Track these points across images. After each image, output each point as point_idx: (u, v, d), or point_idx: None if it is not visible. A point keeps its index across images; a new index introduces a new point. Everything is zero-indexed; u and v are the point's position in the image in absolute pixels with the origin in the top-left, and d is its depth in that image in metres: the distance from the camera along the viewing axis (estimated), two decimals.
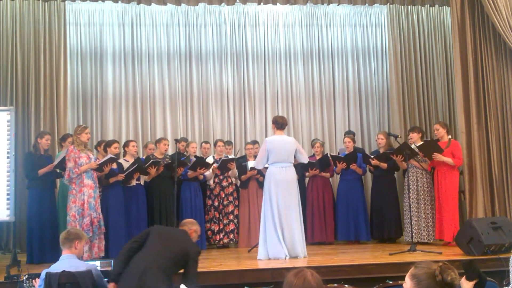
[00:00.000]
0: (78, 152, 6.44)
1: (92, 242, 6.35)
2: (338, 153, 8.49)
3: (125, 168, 7.09)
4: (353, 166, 7.86)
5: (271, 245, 6.27)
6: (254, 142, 8.45)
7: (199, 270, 5.64)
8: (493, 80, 8.10)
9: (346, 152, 8.07)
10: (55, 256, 6.54)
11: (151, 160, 7.22)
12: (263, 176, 7.70)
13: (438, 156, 7.14)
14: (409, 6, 9.46)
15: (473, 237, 6.08)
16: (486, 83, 8.11)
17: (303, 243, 6.44)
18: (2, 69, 8.45)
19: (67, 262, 4.16)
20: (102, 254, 6.45)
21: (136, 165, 7.05)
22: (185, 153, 8.10)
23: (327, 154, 8.06)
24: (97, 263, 4.95)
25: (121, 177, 6.96)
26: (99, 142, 7.81)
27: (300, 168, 7.67)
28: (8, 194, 6.45)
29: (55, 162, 6.87)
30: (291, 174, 6.50)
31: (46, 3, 8.55)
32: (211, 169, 7.84)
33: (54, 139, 8.16)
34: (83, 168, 6.39)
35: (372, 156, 7.84)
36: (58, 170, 6.94)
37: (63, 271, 4.05)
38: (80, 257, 4.55)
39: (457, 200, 7.33)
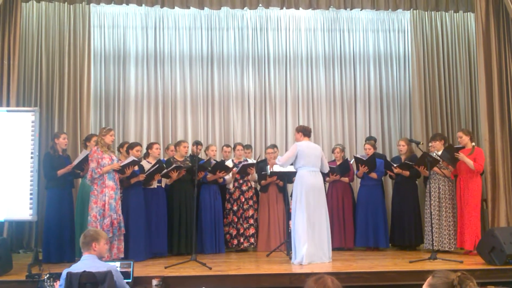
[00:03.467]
0: (101, 153, 6.52)
1: (111, 243, 6.40)
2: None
3: (146, 170, 7.13)
4: (372, 174, 7.83)
5: (310, 249, 6.30)
6: (274, 146, 8.44)
7: (217, 273, 5.69)
8: None
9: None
10: (73, 255, 6.68)
11: (174, 165, 7.25)
12: (283, 181, 7.73)
13: (461, 155, 7.06)
14: (433, 12, 9.36)
15: (495, 246, 6.00)
16: (510, 91, 8.00)
17: (330, 248, 6.59)
18: (27, 70, 8.60)
19: (88, 262, 4.20)
20: (122, 255, 6.50)
21: (157, 165, 7.09)
22: (200, 157, 8.12)
23: (347, 159, 8.02)
24: (117, 263, 5.00)
25: (142, 177, 7.01)
26: (121, 143, 7.88)
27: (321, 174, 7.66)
28: (31, 194, 6.53)
29: (74, 163, 6.95)
30: (320, 179, 6.67)
31: (72, 5, 8.68)
32: (230, 174, 7.85)
33: (77, 140, 8.28)
34: (106, 168, 6.47)
35: (395, 165, 7.77)
36: (77, 171, 7.03)
37: (84, 271, 4.09)
38: (101, 257, 4.59)
39: (479, 209, 7.23)
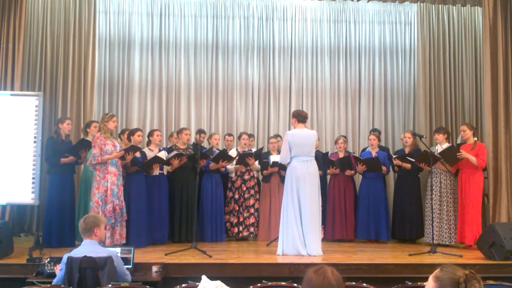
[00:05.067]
0: (104, 139, 6.52)
1: (113, 229, 6.43)
2: (362, 151, 8.45)
3: (148, 157, 7.13)
4: (384, 168, 7.83)
5: (291, 241, 6.24)
6: (277, 136, 8.44)
7: (217, 261, 5.71)
8: None
9: (370, 150, 8.02)
10: (73, 240, 6.71)
11: (174, 153, 7.25)
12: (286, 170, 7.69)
13: (463, 153, 7.05)
14: (440, 5, 9.30)
15: (495, 241, 6.00)
16: None
17: (318, 241, 6.35)
18: (32, 55, 8.61)
19: (89, 247, 4.22)
20: (124, 241, 6.53)
21: (155, 156, 7.08)
22: (204, 145, 8.12)
23: (349, 155, 7.98)
24: (118, 249, 5.01)
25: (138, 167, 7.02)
26: (122, 130, 7.88)
27: (322, 165, 7.63)
28: (33, 178, 6.55)
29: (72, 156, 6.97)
30: (313, 168, 6.41)
31: None
32: (233, 166, 7.86)
33: (80, 125, 8.28)
34: (108, 157, 6.46)
35: (394, 156, 7.77)
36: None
37: (85, 256, 4.11)
38: (102, 242, 4.61)
39: (481, 204, 7.23)
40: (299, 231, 6.25)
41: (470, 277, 2.27)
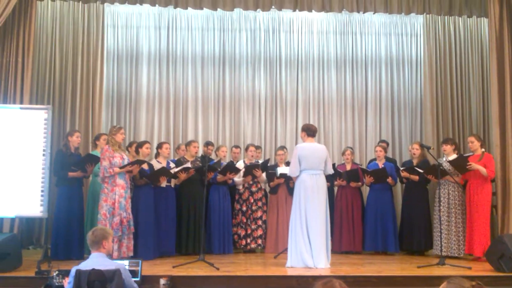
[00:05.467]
0: (112, 152, 6.56)
1: (121, 242, 6.44)
2: (369, 162, 8.44)
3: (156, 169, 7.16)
4: (389, 180, 7.80)
5: (298, 254, 6.23)
6: (283, 147, 8.45)
7: (225, 274, 5.70)
8: None
9: (377, 162, 8.01)
10: (81, 253, 6.72)
11: (182, 166, 7.27)
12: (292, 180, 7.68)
13: (473, 165, 7.03)
14: (446, 16, 9.32)
15: (504, 253, 5.95)
16: None
17: (327, 253, 6.33)
18: (40, 68, 8.70)
19: (97, 260, 4.23)
20: (131, 254, 6.53)
21: (162, 167, 7.11)
22: (212, 157, 8.14)
23: (357, 169, 7.97)
24: (126, 262, 5.03)
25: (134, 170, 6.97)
26: (130, 143, 7.91)
27: (330, 177, 7.63)
28: (42, 191, 6.59)
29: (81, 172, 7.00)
30: (321, 182, 6.42)
31: (86, 5, 8.77)
32: (241, 178, 7.87)
33: (88, 138, 8.34)
34: (118, 170, 6.49)
35: (401, 168, 7.76)
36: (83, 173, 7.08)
37: (93, 269, 4.12)
38: (110, 255, 4.62)
39: (489, 215, 7.19)
40: (306, 244, 6.24)
41: None
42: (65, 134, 7.50)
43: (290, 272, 5.95)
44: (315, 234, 6.25)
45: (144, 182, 7.01)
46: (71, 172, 6.92)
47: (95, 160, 6.88)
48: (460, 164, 7.12)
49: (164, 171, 7.09)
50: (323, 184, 6.44)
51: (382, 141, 8.82)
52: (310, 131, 6.57)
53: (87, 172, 7.04)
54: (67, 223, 6.87)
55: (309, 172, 6.38)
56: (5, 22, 7.50)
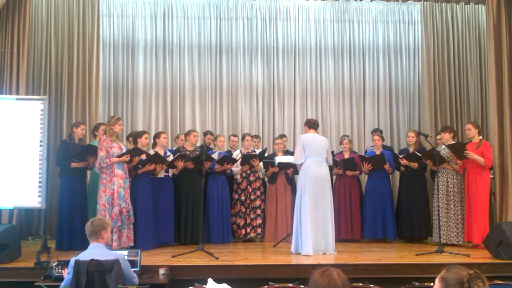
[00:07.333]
0: (110, 142, 6.55)
1: (120, 232, 6.44)
2: (366, 151, 8.43)
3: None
4: (386, 166, 7.79)
5: (309, 240, 6.29)
6: (282, 136, 8.44)
7: (224, 263, 5.71)
8: None
9: (375, 150, 8.00)
10: (84, 243, 6.68)
11: (177, 154, 7.26)
12: (292, 168, 7.68)
13: (470, 154, 7.03)
14: (443, 4, 9.29)
15: (503, 240, 5.98)
16: None
17: (333, 239, 6.54)
18: (36, 59, 8.65)
19: (96, 251, 4.23)
20: (131, 244, 6.54)
21: (155, 153, 7.09)
22: (211, 146, 8.13)
23: (353, 157, 7.97)
24: (125, 252, 5.03)
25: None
26: (130, 133, 7.90)
27: (329, 166, 7.63)
28: (40, 182, 6.57)
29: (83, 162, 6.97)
30: (325, 170, 6.63)
31: None
32: (239, 167, 7.85)
33: (85, 128, 8.29)
34: (115, 160, 6.48)
35: (401, 156, 7.75)
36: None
37: (92, 259, 4.12)
38: (108, 245, 4.61)
39: (488, 203, 7.18)
40: (317, 229, 6.37)
41: (474, 276, 2.30)
42: (71, 125, 7.51)
43: (288, 261, 5.97)
44: (326, 219, 6.47)
45: (135, 174, 6.97)
46: (73, 162, 6.90)
47: (95, 150, 6.86)
48: (458, 148, 7.12)
49: (158, 157, 7.06)
50: (327, 172, 6.65)
51: (376, 129, 8.80)
52: (311, 123, 6.85)
53: (90, 164, 7.01)
54: (70, 213, 6.87)
55: (313, 159, 6.56)
56: (0, 12, 7.45)
